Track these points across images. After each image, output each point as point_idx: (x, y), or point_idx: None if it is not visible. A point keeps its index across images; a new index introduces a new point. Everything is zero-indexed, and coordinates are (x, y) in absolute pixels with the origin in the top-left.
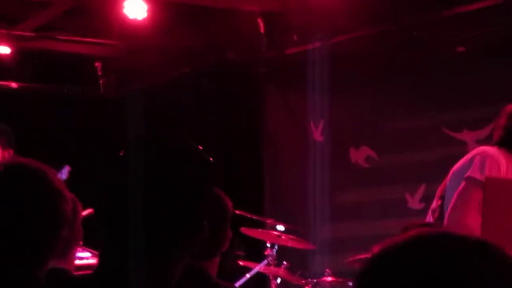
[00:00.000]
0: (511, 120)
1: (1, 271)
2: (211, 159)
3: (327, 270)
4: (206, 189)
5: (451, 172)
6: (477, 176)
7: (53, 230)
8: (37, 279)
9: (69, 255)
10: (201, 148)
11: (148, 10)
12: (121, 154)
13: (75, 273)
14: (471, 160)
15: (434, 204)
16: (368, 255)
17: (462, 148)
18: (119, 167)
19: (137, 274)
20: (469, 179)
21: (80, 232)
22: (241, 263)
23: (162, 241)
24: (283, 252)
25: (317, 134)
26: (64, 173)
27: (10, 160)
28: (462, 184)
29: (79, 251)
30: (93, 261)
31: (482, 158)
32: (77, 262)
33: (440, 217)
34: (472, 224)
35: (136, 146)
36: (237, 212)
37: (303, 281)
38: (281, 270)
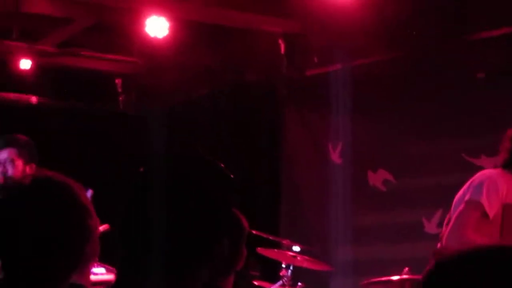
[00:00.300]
0: None
1: (29, 286)
2: (232, 176)
3: None
4: (227, 208)
5: (455, 198)
6: (475, 198)
7: (79, 245)
8: None
9: (86, 270)
10: (222, 166)
11: (169, 29)
12: (141, 170)
13: None
14: (471, 183)
15: (443, 230)
16: (383, 278)
17: None
18: (139, 183)
19: None
20: (467, 202)
21: (97, 247)
22: (256, 283)
23: (182, 259)
24: (299, 273)
25: (335, 156)
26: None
27: (37, 173)
28: (461, 206)
29: (95, 267)
30: (108, 276)
31: (481, 181)
32: (92, 277)
33: None
34: (469, 243)
35: (157, 163)
36: (253, 232)
37: None
38: None
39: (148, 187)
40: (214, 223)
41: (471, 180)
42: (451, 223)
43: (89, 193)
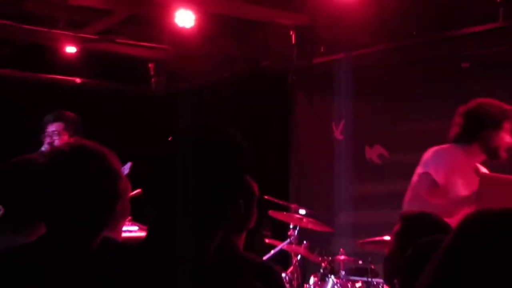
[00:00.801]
0: (464, 119)
1: (68, 240)
2: (245, 147)
3: (341, 250)
4: (241, 174)
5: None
6: (425, 170)
7: (110, 203)
8: (94, 246)
9: (118, 226)
10: (238, 138)
11: (195, 20)
12: (169, 140)
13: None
14: (423, 158)
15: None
16: (376, 238)
17: None
18: (167, 153)
19: (181, 244)
20: (420, 174)
21: (128, 207)
22: (267, 241)
23: (204, 217)
24: (304, 233)
25: (338, 133)
26: (126, 168)
27: (75, 141)
28: (415, 178)
29: (129, 225)
30: (140, 234)
31: (429, 155)
32: (127, 234)
33: None
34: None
35: (183, 135)
36: (266, 197)
37: (320, 259)
38: (302, 249)
39: (175, 156)
40: (230, 188)
41: (424, 155)
42: (408, 192)
43: (129, 165)
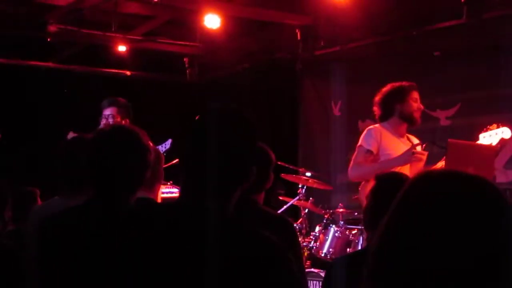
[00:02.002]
0: (379, 101)
1: (110, 200)
2: (256, 124)
3: (340, 204)
4: (255, 145)
5: None
6: (359, 144)
7: (141, 171)
8: (131, 203)
9: (154, 189)
10: (252, 116)
11: (221, 22)
12: (197, 118)
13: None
14: (360, 136)
15: None
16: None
17: (435, 123)
18: (194, 128)
19: (207, 201)
20: (357, 147)
21: (162, 174)
22: (281, 198)
23: (224, 179)
24: (310, 191)
25: (336, 110)
26: (168, 144)
27: (116, 123)
28: (355, 152)
29: (171, 188)
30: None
31: (363, 133)
32: (168, 195)
33: None
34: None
35: (208, 113)
36: (279, 163)
37: (323, 211)
38: (308, 204)
39: (201, 130)
40: (245, 156)
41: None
42: (351, 163)
43: (169, 141)
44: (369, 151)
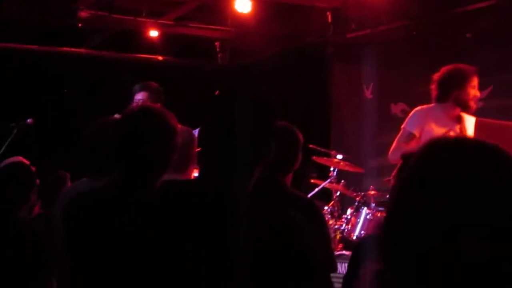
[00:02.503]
0: (437, 84)
1: (135, 182)
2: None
3: (371, 187)
4: (273, 123)
5: None
6: (403, 126)
7: (167, 153)
8: (156, 184)
9: (186, 171)
10: (272, 101)
11: (252, 6)
12: (216, 94)
13: None
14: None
15: None
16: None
17: None
18: (213, 111)
19: (226, 180)
20: (401, 129)
21: (194, 157)
22: (313, 181)
23: (243, 157)
24: (341, 174)
25: (368, 93)
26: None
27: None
28: (400, 132)
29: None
30: None
31: (411, 113)
32: None
33: None
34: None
35: (225, 94)
36: (311, 146)
37: (355, 194)
38: (340, 187)
39: (221, 113)
40: (264, 134)
41: None
42: (393, 144)
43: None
44: (411, 134)
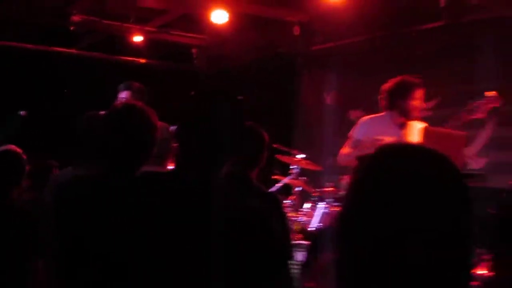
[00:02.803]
0: (384, 94)
1: (118, 170)
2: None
3: (328, 184)
4: (242, 122)
5: None
6: (351, 133)
7: (147, 146)
8: (135, 174)
9: (163, 163)
10: (240, 98)
11: (228, 17)
12: (191, 95)
13: None
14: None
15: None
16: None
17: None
18: (187, 110)
19: (199, 171)
20: (349, 136)
21: (171, 151)
22: (276, 177)
23: (213, 152)
24: (302, 171)
25: (329, 100)
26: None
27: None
28: (347, 139)
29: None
30: None
31: (357, 123)
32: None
33: None
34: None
35: (204, 96)
36: (275, 145)
37: (313, 190)
38: (301, 182)
39: (194, 110)
40: (232, 131)
41: None
42: (341, 149)
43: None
44: (357, 140)
